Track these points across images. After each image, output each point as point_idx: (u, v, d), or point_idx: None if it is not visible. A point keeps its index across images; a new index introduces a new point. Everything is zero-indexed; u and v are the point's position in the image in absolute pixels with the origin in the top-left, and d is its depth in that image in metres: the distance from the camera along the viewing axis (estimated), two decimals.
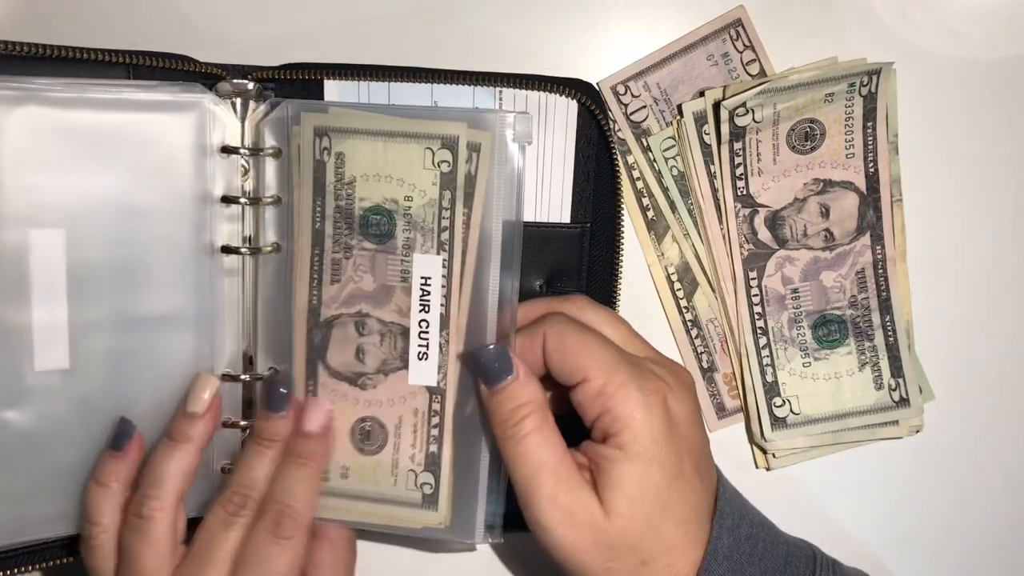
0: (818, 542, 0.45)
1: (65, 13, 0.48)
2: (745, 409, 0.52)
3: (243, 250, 0.45)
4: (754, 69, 0.51)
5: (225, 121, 0.45)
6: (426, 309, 0.44)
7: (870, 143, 0.50)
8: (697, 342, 0.52)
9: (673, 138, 0.51)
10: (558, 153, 0.48)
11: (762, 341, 0.51)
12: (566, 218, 0.49)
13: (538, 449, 0.40)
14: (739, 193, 0.50)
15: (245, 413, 0.47)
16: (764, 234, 0.50)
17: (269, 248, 0.45)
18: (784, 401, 0.51)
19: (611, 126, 0.49)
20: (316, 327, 0.45)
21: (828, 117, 0.49)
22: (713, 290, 0.52)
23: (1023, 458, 0.54)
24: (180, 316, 0.45)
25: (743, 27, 0.50)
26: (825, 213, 0.50)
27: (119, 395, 0.45)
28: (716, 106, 0.49)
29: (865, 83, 0.49)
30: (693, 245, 0.51)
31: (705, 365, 0.52)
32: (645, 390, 0.40)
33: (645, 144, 0.51)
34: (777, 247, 0.51)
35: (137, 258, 0.44)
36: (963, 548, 0.54)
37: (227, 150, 0.45)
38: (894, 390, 0.51)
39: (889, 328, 0.51)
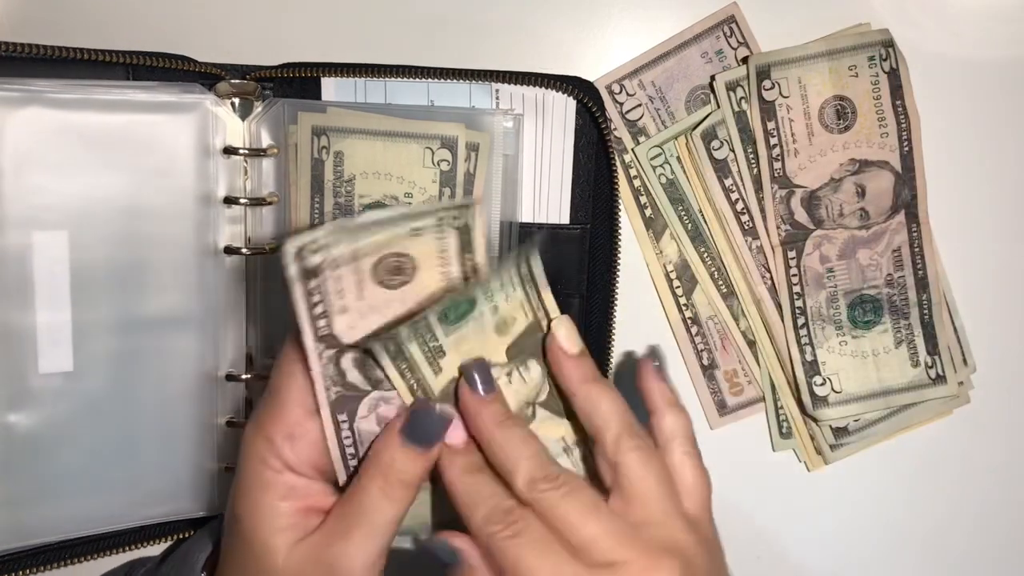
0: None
1: (64, 13, 0.49)
2: (774, 400, 0.52)
3: (245, 251, 0.46)
4: None
5: (226, 122, 0.45)
6: None
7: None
8: (697, 339, 0.52)
9: (659, 147, 0.51)
10: (556, 153, 0.48)
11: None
12: (565, 219, 0.48)
13: None
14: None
15: (246, 413, 0.47)
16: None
17: (268, 247, 0.46)
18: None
19: (608, 125, 0.49)
20: None
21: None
22: (716, 288, 0.52)
23: None
24: (184, 317, 0.45)
25: (736, 24, 0.51)
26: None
27: (123, 397, 0.44)
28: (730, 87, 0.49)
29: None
30: (692, 245, 0.51)
31: (705, 362, 0.52)
32: None
33: (640, 143, 0.51)
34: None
35: (140, 259, 0.44)
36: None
37: (229, 151, 0.45)
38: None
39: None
